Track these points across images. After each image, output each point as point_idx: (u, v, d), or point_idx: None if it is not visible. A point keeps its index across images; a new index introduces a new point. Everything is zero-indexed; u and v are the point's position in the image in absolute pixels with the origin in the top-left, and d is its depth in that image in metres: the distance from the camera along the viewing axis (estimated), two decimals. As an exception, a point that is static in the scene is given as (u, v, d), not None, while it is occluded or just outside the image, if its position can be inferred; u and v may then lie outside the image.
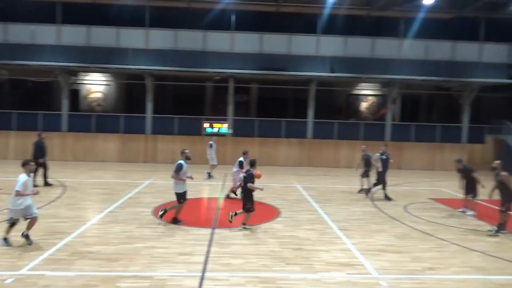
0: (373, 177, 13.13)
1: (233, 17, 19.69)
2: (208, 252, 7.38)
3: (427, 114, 27.97)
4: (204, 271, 6.49)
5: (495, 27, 20.18)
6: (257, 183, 9.14)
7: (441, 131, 21.70)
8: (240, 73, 19.61)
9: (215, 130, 20.49)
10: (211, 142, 16.61)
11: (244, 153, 12.25)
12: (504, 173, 9.21)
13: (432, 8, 19.43)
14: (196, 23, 19.98)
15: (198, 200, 12.22)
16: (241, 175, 9.62)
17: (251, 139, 20.74)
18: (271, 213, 10.56)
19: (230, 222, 8.96)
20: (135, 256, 7.05)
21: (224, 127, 20.50)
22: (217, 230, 8.77)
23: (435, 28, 20.79)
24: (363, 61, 19.71)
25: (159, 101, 22.45)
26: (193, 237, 8.22)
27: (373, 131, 21.63)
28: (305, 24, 20.52)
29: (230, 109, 20.72)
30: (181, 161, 8.99)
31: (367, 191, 13.03)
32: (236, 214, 9.07)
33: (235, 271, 6.56)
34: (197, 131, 20.55)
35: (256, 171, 9.18)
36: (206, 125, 20.47)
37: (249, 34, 19.85)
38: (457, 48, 20.39)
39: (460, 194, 12.55)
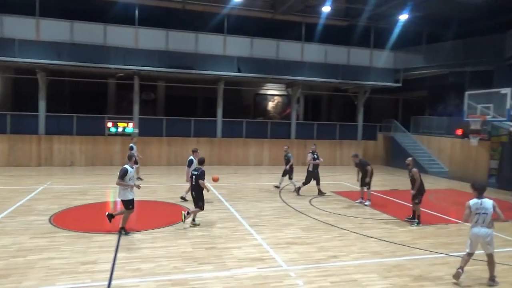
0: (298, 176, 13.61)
1: (136, 12, 18.73)
2: (115, 258, 6.94)
3: (327, 113, 30.11)
4: (110, 279, 6.09)
5: (383, 36, 22.46)
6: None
7: (340, 129, 23.49)
8: (145, 70, 18.76)
9: (120, 129, 19.40)
10: (131, 145, 15.44)
11: (194, 151, 11.64)
12: (415, 170, 10.00)
13: (330, 16, 20.91)
14: (96, 15, 18.62)
15: (103, 205, 11.43)
16: (192, 173, 9.48)
17: (159, 138, 20.09)
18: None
19: (183, 222, 9.00)
20: (29, 269, 6.32)
21: (129, 127, 19.50)
22: (124, 235, 8.29)
23: (333, 34, 22.40)
24: (268, 62, 20.36)
25: (55, 99, 20.53)
26: (97, 244, 7.66)
27: (280, 129, 22.55)
28: (212, 23, 20.49)
29: (136, 108, 19.78)
30: (127, 166, 8.35)
31: (297, 190, 13.41)
32: (188, 213, 9.12)
33: (145, 276, 6.28)
34: (100, 131, 19.24)
35: (214, 175, 9.55)
36: (109, 124, 19.26)
37: (154, 30, 19.08)
38: (352, 53, 22.24)
39: (357, 187, 13.72)
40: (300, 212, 10.92)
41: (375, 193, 14.04)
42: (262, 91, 27.36)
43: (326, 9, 19.18)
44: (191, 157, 11.36)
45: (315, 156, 13.48)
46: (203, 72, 19.40)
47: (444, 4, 18.79)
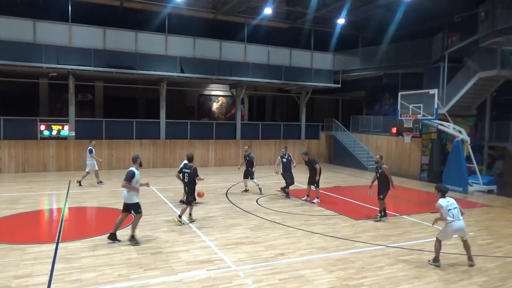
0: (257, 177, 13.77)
1: (69, 7, 17.66)
2: (52, 270, 6.49)
3: (271, 113, 30.61)
4: (48, 292, 5.69)
5: (323, 38, 23.27)
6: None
7: (284, 129, 23.96)
8: (80, 69, 17.74)
9: (54, 133, 18.22)
10: (90, 147, 14.56)
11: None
12: (385, 166, 10.50)
13: (271, 17, 21.26)
14: (24, 10, 17.31)
15: (37, 213, 10.64)
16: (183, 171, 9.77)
17: (98, 141, 19.05)
18: (126, 219, 9.91)
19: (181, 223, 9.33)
20: (-49, 289, 5.72)
21: (65, 130, 18.37)
22: (62, 245, 7.80)
23: (275, 36, 22.82)
24: (212, 62, 20.21)
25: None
26: (31, 256, 7.12)
27: (225, 130, 22.50)
28: (152, 22, 19.94)
29: (72, 110, 18.67)
30: (133, 168, 8.20)
31: (286, 193, 13.33)
32: (180, 216, 9.45)
33: (87, 286, 5.94)
34: (32, 134, 17.92)
35: (199, 191, 9.86)
36: (42, 127, 17.99)
37: (90, 28, 18.10)
38: (293, 55, 22.79)
39: (302, 185, 14.08)
40: (248, 212, 10.97)
41: (321, 191, 14.47)
42: (206, 92, 27.15)
43: (268, 11, 19.47)
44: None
45: (284, 160, 13.25)
46: (144, 72, 18.78)
47: (376, 9, 19.88)
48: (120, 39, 18.59)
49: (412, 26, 21.09)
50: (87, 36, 17.98)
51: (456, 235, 7.30)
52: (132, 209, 8.23)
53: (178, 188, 14.67)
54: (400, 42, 21.92)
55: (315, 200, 12.53)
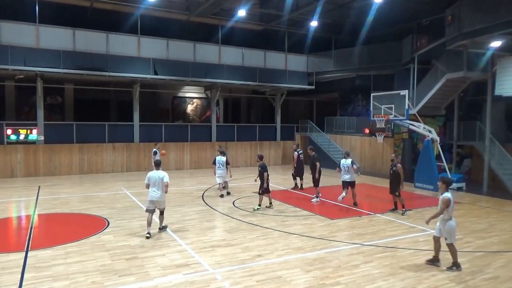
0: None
1: (36, 7, 17.07)
2: (21, 280, 6.24)
3: (247, 115, 30.63)
4: (17, 303, 5.47)
5: (296, 40, 23.48)
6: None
7: (259, 130, 24.02)
8: (49, 72, 17.18)
9: (22, 137, 17.56)
10: (155, 149, 14.92)
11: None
12: (399, 165, 11.14)
13: (245, 19, 21.29)
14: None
15: (4, 221, 10.21)
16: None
17: (69, 145, 18.58)
18: (98, 224, 9.70)
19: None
20: None
21: (33, 134, 17.75)
22: (32, 253, 7.51)
23: (250, 38, 22.88)
24: (186, 64, 20.01)
25: None
26: (-1, 266, 6.83)
27: (200, 132, 22.33)
28: (124, 23, 19.58)
29: (40, 113, 18.06)
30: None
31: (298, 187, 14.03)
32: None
33: (59, 295, 5.75)
34: (-3, 139, 17.23)
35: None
36: (9, 131, 17.32)
37: (58, 29, 17.54)
38: (268, 56, 22.88)
39: (279, 186, 14.15)
40: (224, 214, 10.92)
41: (297, 191, 14.60)
42: (181, 94, 26.89)
43: (242, 13, 19.48)
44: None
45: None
46: (116, 74, 18.38)
47: (348, 12, 20.25)
48: (91, 41, 18.12)
49: (383, 29, 21.60)
50: (55, 37, 17.43)
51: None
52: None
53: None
54: (372, 44, 22.40)
55: (314, 200, 12.73)
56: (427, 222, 7.42)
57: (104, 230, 9.16)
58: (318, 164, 12.78)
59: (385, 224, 10.23)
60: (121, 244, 8.12)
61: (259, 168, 11.67)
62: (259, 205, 11.62)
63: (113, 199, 12.83)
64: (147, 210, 8.85)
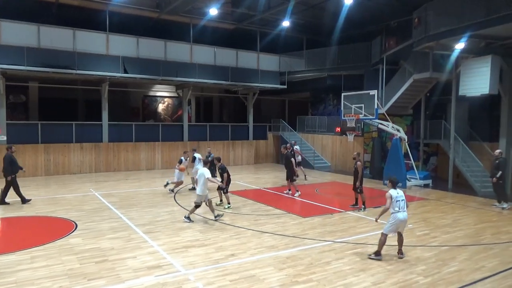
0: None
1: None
2: (-18, 287, 5.96)
3: (219, 114, 30.50)
4: (-22, 311, 5.21)
5: (269, 40, 23.57)
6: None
7: (232, 130, 23.96)
8: (11, 69, 16.44)
9: (-17, 137, 16.76)
10: (208, 150, 15.88)
11: (184, 152, 14.34)
12: (359, 163, 11.54)
13: (217, 18, 21.16)
14: None
15: (-37, 226, 9.72)
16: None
17: (34, 145, 17.87)
18: (66, 227, 9.39)
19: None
20: None
21: (-5, 134, 16.97)
22: (-6, 258, 7.18)
23: (221, 37, 22.76)
24: (157, 63, 19.69)
25: None
26: (-42, 273, 6.49)
27: (172, 132, 22.03)
28: (92, 20, 19.04)
29: (2, 112, 17.27)
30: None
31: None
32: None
33: (24, 302, 5.52)
34: (-45, 139, 16.35)
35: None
36: (-32, 132, 16.50)
37: (22, 25, 16.82)
38: (240, 56, 22.87)
39: (251, 185, 14.16)
40: (197, 214, 10.79)
41: (269, 190, 14.67)
42: (151, 93, 26.44)
43: (213, 12, 19.36)
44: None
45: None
46: (83, 72, 17.83)
47: (319, 13, 20.53)
48: (57, 37, 17.52)
49: (353, 30, 22.04)
50: (19, 33, 16.73)
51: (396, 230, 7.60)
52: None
53: (123, 192, 14.15)
54: (342, 45, 22.80)
55: (297, 194, 13.31)
56: (376, 220, 7.88)
57: (72, 233, 8.88)
58: (293, 160, 13.37)
59: (356, 221, 10.44)
60: (90, 247, 7.89)
61: (219, 170, 11.99)
62: (229, 203, 11.77)
63: (82, 201, 12.46)
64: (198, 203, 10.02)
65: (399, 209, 7.39)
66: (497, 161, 12.27)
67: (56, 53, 17.22)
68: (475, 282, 6.48)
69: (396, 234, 7.61)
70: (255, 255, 7.61)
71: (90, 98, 22.84)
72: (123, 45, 19.12)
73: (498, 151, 12.68)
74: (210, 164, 13.79)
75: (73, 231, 9.07)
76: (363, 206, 11.74)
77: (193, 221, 9.94)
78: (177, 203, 12.41)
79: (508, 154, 14.48)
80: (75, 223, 9.74)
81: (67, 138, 18.75)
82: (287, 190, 13.89)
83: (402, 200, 7.48)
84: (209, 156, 14.55)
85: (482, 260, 7.52)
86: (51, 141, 18.27)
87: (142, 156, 20.66)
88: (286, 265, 7.08)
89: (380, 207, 12.09)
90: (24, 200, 11.90)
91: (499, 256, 7.81)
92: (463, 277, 6.69)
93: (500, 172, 12.15)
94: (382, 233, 7.52)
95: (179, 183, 14.07)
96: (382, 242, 7.47)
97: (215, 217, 10.06)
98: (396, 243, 7.69)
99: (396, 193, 7.51)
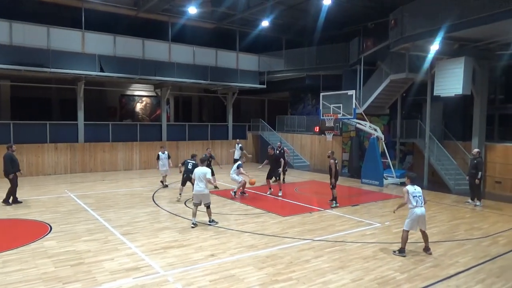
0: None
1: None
2: (-50, 293, 5.72)
3: (198, 114, 30.29)
4: None
5: (248, 39, 23.55)
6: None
7: (211, 129, 23.84)
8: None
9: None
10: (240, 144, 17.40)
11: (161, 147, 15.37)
12: (332, 161, 11.94)
13: (196, 17, 21.00)
14: None
15: None
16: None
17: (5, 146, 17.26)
18: (40, 229, 9.12)
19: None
20: None
21: (-36, 134, 16.34)
22: (-37, 263, 6.90)
23: (201, 36, 22.59)
24: (135, 61, 19.38)
25: None
26: None
27: (150, 131, 21.74)
28: (67, 17, 18.58)
29: (-27, 111, 16.68)
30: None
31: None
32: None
33: (-5, 307, 5.33)
34: None
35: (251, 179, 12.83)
36: None
37: (-7, 21, 16.33)
38: (219, 55, 22.76)
39: (231, 185, 14.11)
40: (176, 215, 10.71)
41: (249, 190, 14.65)
42: (129, 92, 26.00)
43: (192, 10, 19.21)
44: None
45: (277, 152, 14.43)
46: (58, 71, 17.39)
47: (298, 14, 20.65)
48: (30, 34, 16.99)
49: (332, 31, 22.28)
50: (-11, 29, 16.17)
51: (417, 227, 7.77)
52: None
53: (100, 193, 13.87)
54: (321, 46, 23.02)
55: (280, 193, 13.52)
56: (394, 211, 8.32)
57: (46, 236, 8.64)
58: (282, 160, 13.79)
59: (335, 219, 10.55)
60: (65, 250, 7.69)
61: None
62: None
63: (56, 203, 12.14)
64: (193, 204, 9.70)
65: (416, 204, 7.59)
66: (475, 161, 12.59)
67: (29, 51, 16.71)
68: (449, 277, 6.65)
69: (415, 231, 7.84)
70: (235, 254, 7.59)
71: (65, 97, 22.28)
72: (99, 43, 18.72)
73: (476, 150, 12.97)
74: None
75: (48, 233, 8.82)
76: (334, 202, 12.02)
77: (217, 222, 9.78)
78: (155, 203, 12.25)
79: (481, 153, 14.94)
80: (49, 225, 9.48)
81: (40, 138, 18.24)
82: (270, 190, 13.86)
83: (419, 196, 7.68)
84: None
85: (456, 256, 7.74)
86: (24, 141, 17.70)
87: (119, 156, 20.30)
88: (266, 264, 7.09)
89: (357, 205, 12.32)
90: (6, 201, 11.70)
91: (472, 251, 8.05)
92: (438, 272, 6.86)
93: (480, 173, 12.48)
94: (403, 230, 7.70)
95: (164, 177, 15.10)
96: (404, 239, 7.66)
97: (210, 221, 9.73)
98: (374, 241, 7.80)
99: (414, 189, 7.68)
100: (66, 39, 17.85)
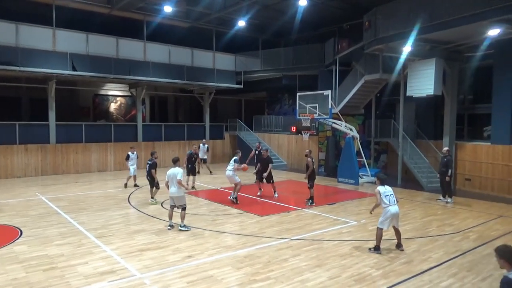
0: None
1: None
2: None
3: (174, 114, 29.95)
4: None
5: (225, 39, 23.46)
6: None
7: (188, 129, 23.61)
8: None
9: None
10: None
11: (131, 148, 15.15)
12: (309, 159, 12.12)
13: (171, 16, 20.76)
14: None
15: None
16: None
17: (-28, 148, 16.60)
18: (10, 234, 8.80)
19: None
20: None
21: None
22: None
23: (177, 35, 22.33)
24: (108, 60, 18.97)
25: None
26: None
27: (125, 132, 21.31)
28: (37, 14, 17.97)
29: None
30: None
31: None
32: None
33: (-39, 316, 5.10)
34: None
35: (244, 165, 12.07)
36: None
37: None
38: (195, 55, 22.56)
39: (208, 185, 14.01)
40: (152, 217, 10.55)
41: (226, 190, 14.61)
42: (103, 92, 25.43)
43: (168, 9, 18.95)
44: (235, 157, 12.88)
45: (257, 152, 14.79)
46: (28, 69, 16.79)
47: (274, 14, 20.74)
48: (-3, 31, 16.38)
49: (308, 31, 22.49)
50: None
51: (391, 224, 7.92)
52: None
53: (72, 196, 13.50)
54: (297, 46, 23.21)
55: (259, 192, 13.56)
56: (370, 212, 8.43)
57: (17, 240, 8.34)
58: (271, 165, 13.66)
59: (312, 218, 10.65)
60: (36, 255, 7.44)
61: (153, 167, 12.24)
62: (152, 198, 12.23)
63: (27, 206, 11.73)
64: (170, 205, 9.47)
65: (389, 203, 7.73)
66: (445, 159, 12.99)
67: (-3, 49, 16.10)
68: (423, 272, 6.83)
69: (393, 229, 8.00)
70: (213, 255, 7.54)
71: (35, 97, 21.59)
72: (71, 41, 18.21)
73: (445, 149, 13.40)
74: (189, 161, 14.60)
75: (18, 238, 8.52)
76: (310, 201, 12.19)
77: (189, 229, 9.23)
78: (131, 205, 12.03)
79: (450, 151, 15.42)
80: (19, 229, 9.16)
81: (9, 139, 17.59)
82: (260, 190, 13.85)
83: (391, 194, 7.85)
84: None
85: (429, 251, 7.95)
86: (-8, 142, 17.06)
87: (93, 157, 19.83)
88: (244, 264, 7.08)
89: (334, 203, 12.49)
90: None
91: (444, 246, 8.30)
92: (412, 268, 7.03)
93: (450, 171, 12.89)
94: (378, 228, 7.84)
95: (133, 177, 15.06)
96: (379, 236, 7.80)
97: (181, 226, 9.25)
98: (350, 239, 7.91)
99: (385, 188, 7.86)
100: (36, 36, 17.26)
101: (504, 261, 3.77)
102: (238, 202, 12.17)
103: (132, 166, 14.87)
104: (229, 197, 12.56)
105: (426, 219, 10.80)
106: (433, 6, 12.84)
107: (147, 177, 12.49)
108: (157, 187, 12.23)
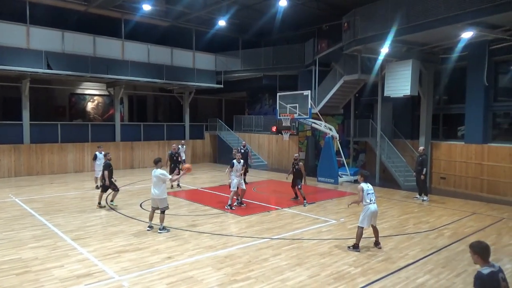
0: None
1: None
2: None
3: (154, 114, 29.58)
4: None
5: (205, 39, 23.32)
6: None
7: (167, 129, 23.35)
8: None
9: None
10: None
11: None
12: (301, 163, 12.41)
13: (150, 14, 20.47)
14: None
15: None
16: None
17: None
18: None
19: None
20: None
21: None
22: None
23: (156, 34, 22.06)
24: (85, 59, 18.55)
25: None
26: None
27: (103, 132, 20.91)
28: (9, 10, 17.42)
29: None
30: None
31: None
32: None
33: None
34: None
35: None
36: None
37: None
38: (175, 54, 22.34)
39: (188, 186, 13.88)
40: (131, 218, 10.38)
41: (207, 190, 14.53)
42: (79, 91, 24.87)
43: (146, 7, 18.69)
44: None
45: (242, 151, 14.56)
46: (0, 67, 16.29)
47: (254, 14, 20.75)
48: (-33, 28, 15.79)
49: (288, 32, 22.59)
50: None
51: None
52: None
53: (47, 197, 13.15)
54: (277, 46, 23.28)
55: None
56: (348, 206, 8.67)
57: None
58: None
59: (292, 217, 10.71)
60: (9, 258, 7.20)
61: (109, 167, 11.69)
62: (112, 201, 11.70)
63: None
64: (152, 207, 9.31)
65: (370, 201, 7.82)
66: (420, 158, 13.28)
67: (-33, 45, 15.53)
68: (400, 269, 6.96)
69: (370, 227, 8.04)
70: (193, 256, 7.48)
71: (8, 96, 20.93)
72: (46, 39, 17.74)
73: (421, 148, 13.72)
74: (171, 160, 14.54)
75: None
76: (304, 202, 12.22)
77: (169, 230, 9.07)
78: (109, 206, 11.79)
79: (426, 151, 15.79)
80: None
81: (-19, 140, 17.01)
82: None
83: (372, 193, 7.92)
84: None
85: (406, 249, 8.11)
86: (-38, 143, 16.44)
87: (69, 158, 19.37)
88: (225, 264, 7.05)
89: (314, 203, 12.59)
90: None
91: (420, 244, 8.48)
92: (389, 265, 7.15)
93: (425, 169, 13.19)
94: (359, 226, 7.88)
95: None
96: (359, 235, 7.85)
97: (160, 229, 9.03)
98: (330, 237, 7.99)
99: (367, 186, 7.92)
100: (8, 33, 16.74)
101: (478, 256, 3.90)
102: (234, 208, 11.50)
103: (99, 167, 13.87)
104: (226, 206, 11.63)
105: (403, 217, 11.02)
106: (410, 8, 13.11)
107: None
108: (115, 190, 11.52)
